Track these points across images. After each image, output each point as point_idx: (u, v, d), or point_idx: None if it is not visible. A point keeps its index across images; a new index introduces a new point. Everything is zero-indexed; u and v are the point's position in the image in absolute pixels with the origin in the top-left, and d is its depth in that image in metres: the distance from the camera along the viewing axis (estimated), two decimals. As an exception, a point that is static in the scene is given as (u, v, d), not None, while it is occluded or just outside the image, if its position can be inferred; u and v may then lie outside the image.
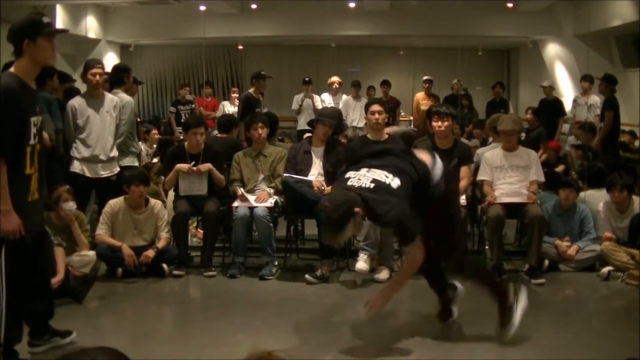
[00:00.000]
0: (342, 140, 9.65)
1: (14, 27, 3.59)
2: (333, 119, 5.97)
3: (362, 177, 3.84)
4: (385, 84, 11.43)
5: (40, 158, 3.65)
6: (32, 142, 3.54)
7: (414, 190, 3.83)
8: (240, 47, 13.97)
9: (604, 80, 8.50)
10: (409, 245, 3.94)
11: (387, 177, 3.79)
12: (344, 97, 10.75)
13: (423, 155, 4.07)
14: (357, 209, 3.66)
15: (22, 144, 3.49)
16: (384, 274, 5.48)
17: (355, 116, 10.45)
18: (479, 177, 5.94)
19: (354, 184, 3.81)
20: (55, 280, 4.63)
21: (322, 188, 5.62)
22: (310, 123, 6.34)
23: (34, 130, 3.55)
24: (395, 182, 3.78)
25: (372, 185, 3.77)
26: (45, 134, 5.74)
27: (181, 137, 9.08)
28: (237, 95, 10.92)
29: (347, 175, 3.92)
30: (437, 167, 4.00)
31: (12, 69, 3.58)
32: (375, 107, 5.94)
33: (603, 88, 8.51)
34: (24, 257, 3.58)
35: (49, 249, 4.36)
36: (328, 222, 3.70)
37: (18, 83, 3.51)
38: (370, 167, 3.90)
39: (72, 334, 4.03)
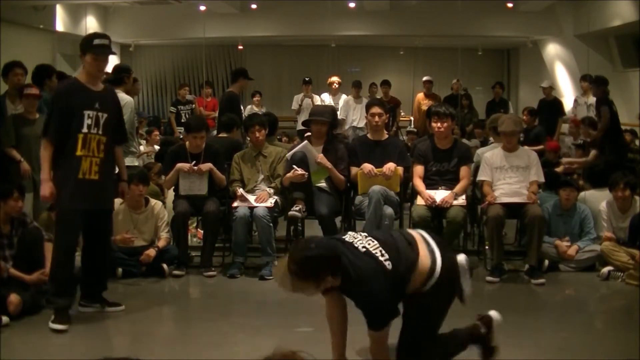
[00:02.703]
0: (343, 133, 9.63)
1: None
2: (324, 115, 5.96)
3: (357, 239, 3.36)
4: (386, 84, 11.43)
5: (104, 147, 4.48)
6: (84, 130, 4.39)
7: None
8: (240, 47, 13.96)
9: (593, 83, 8.48)
10: (373, 332, 3.31)
11: (382, 254, 3.27)
12: (344, 97, 10.76)
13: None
14: (328, 278, 3.19)
15: (73, 131, 4.37)
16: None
17: (356, 116, 10.46)
18: (479, 177, 5.94)
19: (346, 239, 3.37)
20: (37, 274, 4.70)
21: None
22: (305, 124, 6.36)
23: (88, 121, 4.40)
24: (387, 264, 3.25)
25: (363, 250, 3.29)
26: None
27: (181, 137, 9.09)
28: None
29: (345, 236, 3.44)
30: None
31: (77, 74, 4.67)
32: (375, 109, 5.94)
33: (594, 90, 8.51)
34: (75, 229, 4.49)
35: (40, 244, 4.83)
36: (298, 260, 3.15)
37: (73, 84, 4.54)
38: (370, 235, 3.42)
39: (120, 306, 4.73)
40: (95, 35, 4.64)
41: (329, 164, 5.75)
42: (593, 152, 7.94)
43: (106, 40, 4.59)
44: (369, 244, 3.31)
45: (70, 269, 4.51)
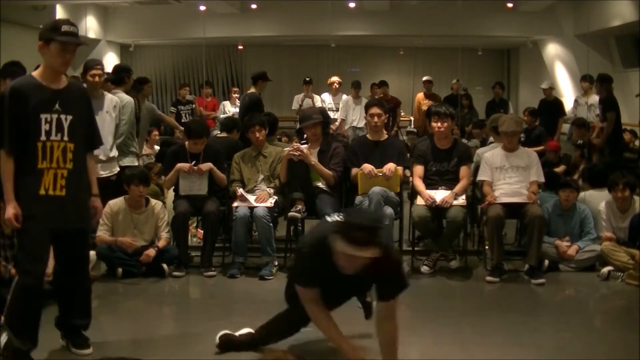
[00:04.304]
0: (342, 133, 9.62)
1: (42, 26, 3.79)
2: (313, 117, 5.94)
3: None
4: (383, 84, 11.42)
5: (73, 155, 3.75)
6: (42, 137, 3.67)
7: None
8: (240, 47, 13.98)
9: (597, 81, 8.53)
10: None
11: None
12: (344, 97, 10.76)
13: None
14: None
15: (30, 139, 3.65)
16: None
17: (355, 116, 10.46)
18: (479, 177, 5.94)
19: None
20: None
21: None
22: (299, 131, 6.36)
23: (45, 126, 3.67)
24: None
25: None
26: None
27: (181, 137, 9.09)
28: (238, 95, 10.93)
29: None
30: None
31: (35, 71, 3.82)
32: (375, 110, 5.94)
33: (598, 88, 8.53)
34: (40, 254, 3.71)
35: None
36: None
37: (28, 83, 3.72)
38: None
39: (88, 349, 3.95)
40: (62, 22, 3.80)
41: (311, 160, 5.75)
42: (609, 115, 8.09)
43: (75, 28, 3.78)
44: None
45: (35, 304, 3.73)
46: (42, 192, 3.68)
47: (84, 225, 3.94)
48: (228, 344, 3.97)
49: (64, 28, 3.69)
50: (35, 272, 3.67)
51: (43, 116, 3.67)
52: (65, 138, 3.72)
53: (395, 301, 3.51)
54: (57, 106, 3.71)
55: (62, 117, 3.73)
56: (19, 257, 3.79)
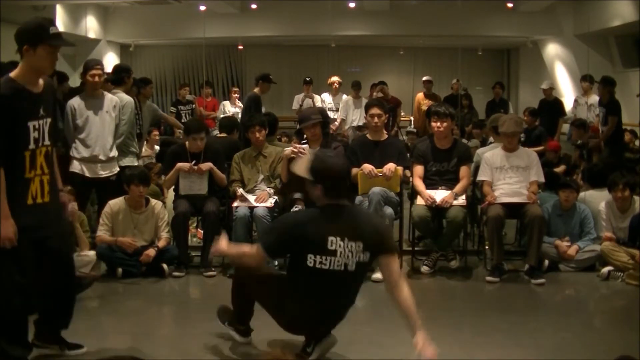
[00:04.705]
0: (342, 133, 9.66)
1: (19, 28, 3.52)
2: (311, 118, 5.93)
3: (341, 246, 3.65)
4: (380, 84, 11.39)
5: (49, 161, 3.60)
6: (31, 146, 3.48)
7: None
8: (240, 47, 13.97)
9: (600, 83, 8.53)
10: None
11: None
12: (344, 97, 10.76)
13: None
14: (315, 187, 3.60)
15: (17, 149, 3.46)
16: (380, 274, 5.48)
17: (355, 116, 10.46)
18: (479, 177, 5.94)
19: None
20: None
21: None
22: (298, 132, 6.36)
23: (34, 134, 3.48)
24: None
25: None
26: None
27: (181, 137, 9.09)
28: (238, 95, 10.93)
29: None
30: None
31: (12, 73, 3.54)
32: (375, 110, 5.94)
33: (601, 91, 8.53)
34: (24, 260, 3.51)
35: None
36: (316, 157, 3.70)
37: (14, 88, 3.45)
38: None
39: (82, 348, 3.91)
40: (48, 22, 3.54)
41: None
42: (612, 118, 8.17)
43: (58, 28, 3.58)
44: (342, 247, 3.58)
45: (23, 312, 3.58)
46: (30, 201, 3.51)
47: (67, 227, 3.91)
48: (224, 312, 4.13)
49: (53, 30, 3.49)
50: (25, 284, 3.51)
51: (31, 124, 3.48)
52: (47, 142, 3.57)
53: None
54: (41, 111, 3.54)
55: (44, 121, 3.55)
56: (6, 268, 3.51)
